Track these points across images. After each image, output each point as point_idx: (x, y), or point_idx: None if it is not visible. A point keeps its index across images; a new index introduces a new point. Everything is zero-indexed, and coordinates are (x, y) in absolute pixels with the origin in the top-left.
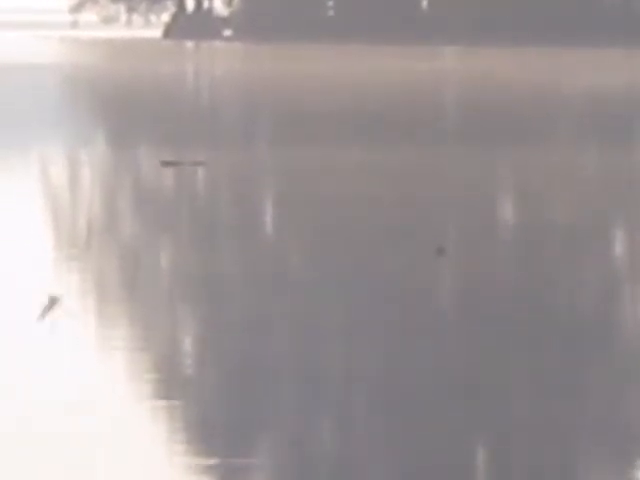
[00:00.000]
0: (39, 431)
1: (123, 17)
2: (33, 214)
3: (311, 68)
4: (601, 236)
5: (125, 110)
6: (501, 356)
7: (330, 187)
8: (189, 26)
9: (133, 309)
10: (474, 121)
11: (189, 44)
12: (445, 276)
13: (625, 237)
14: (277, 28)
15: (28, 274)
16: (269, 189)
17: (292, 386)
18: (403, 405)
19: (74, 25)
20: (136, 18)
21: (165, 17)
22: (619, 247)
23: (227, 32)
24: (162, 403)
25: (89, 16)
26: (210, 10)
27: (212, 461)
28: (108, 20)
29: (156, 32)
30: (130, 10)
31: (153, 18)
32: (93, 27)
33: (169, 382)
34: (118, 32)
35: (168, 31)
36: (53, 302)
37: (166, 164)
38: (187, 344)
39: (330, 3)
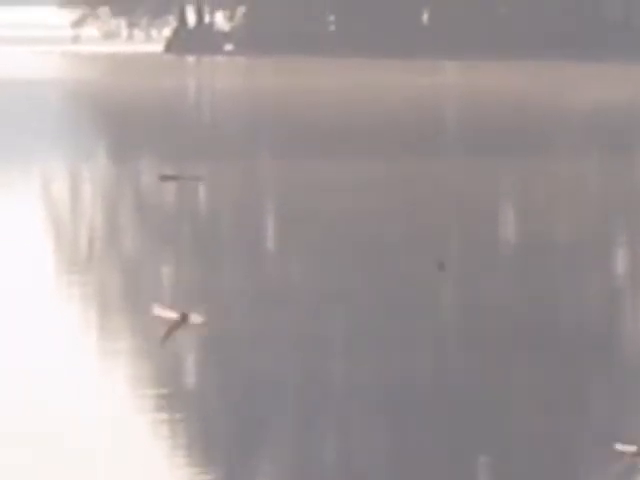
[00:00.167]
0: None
1: (124, 32)
2: (33, 228)
3: (312, 82)
4: (604, 252)
5: (126, 124)
6: (501, 371)
7: (331, 202)
8: (190, 41)
9: (135, 320)
10: (475, 135)
11: (190, 58)
12: (445, 290)
13: (630, 253)
14: (278, 43)
15: (27, 290)
16: (269, 204)
17: (293, 400)
18: (403, 418)
19: (75, 40)
20: (137, 33)
21: (166, 32)
22: (622, 263)
23: (228, 47)
24: (164, 416)
25: (90, 31)
26: (211, 25)
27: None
28: (109, 35)
29: (157, 47)
30: (131, 25)
31: (154, 33)
32: (94, 42)
33: (172, 396)
34: (119, 47)
35: (169, 46)
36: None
37: (165, 178)
38: (190, 358)
39: (331, 18)
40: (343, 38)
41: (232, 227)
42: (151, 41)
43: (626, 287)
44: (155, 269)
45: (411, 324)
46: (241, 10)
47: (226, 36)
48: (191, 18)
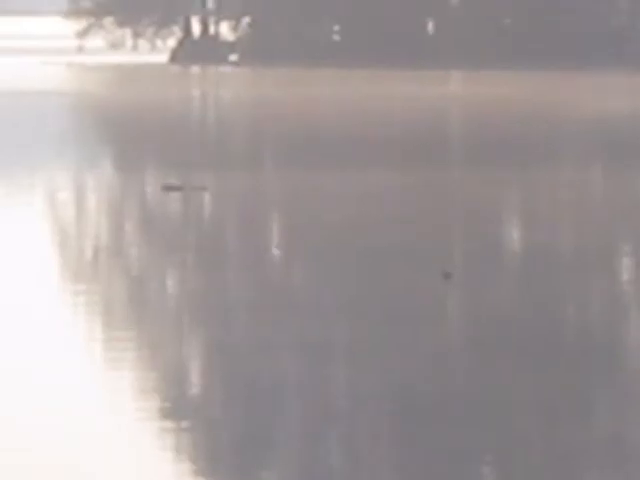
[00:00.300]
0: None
1: (129, 42)
2: (37, 238)
3: (317, 92)
4: (609, 262)
5: (131, 134)
6: (507, 381)
7: (337, 212)
8: (195, 51)
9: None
10: (482, 145)
11: (195, 69)
12: (451, 300)
13: (636, 263)
14: (283, 53)
15: (29, 304)
16: (273, 214)
17: (296, 409)
18: (405, 426)
19: (80, 50)
20: (142, 43)
21: (171, 42)
22: (628, 273)
23: (233, 57)
24: (170, 424)
25: (95, 41)
26: (216, 35)
27: None
28: (114, 45)
29: (162, 57)
30: (136, 35)
31: (159, 43)
32: (99, 52)
33: (177, 405)
34: (124, 57)
35: (174, 56)
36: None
37: (168, 189)
38: (194, 369)
39: (336, 28)
40: (348, 48)
41: (237, 237)
42: (156, 51)
43: (632, 296)
44: (160, 279)
45: (416, 333)
46: (246, 21)
47: (231, 46)
48: (196, 29)
